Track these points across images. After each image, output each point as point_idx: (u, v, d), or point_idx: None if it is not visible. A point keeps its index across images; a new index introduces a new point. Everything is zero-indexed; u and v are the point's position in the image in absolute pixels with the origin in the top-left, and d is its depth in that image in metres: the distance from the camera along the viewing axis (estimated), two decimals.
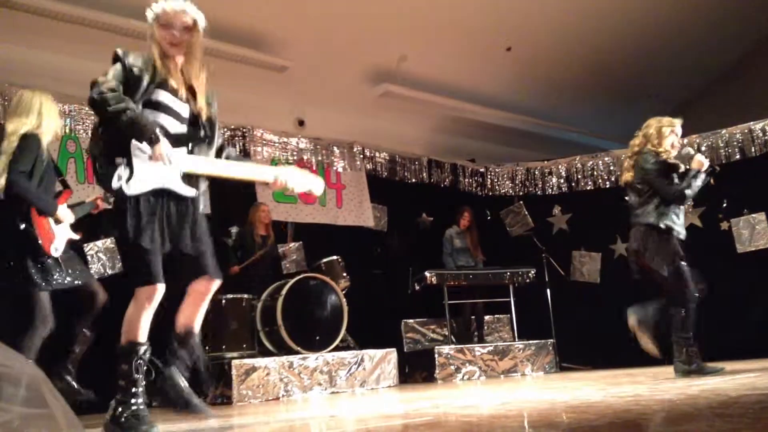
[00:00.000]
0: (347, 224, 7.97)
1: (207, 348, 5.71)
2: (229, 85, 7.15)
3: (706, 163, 4.55)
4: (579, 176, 8.71)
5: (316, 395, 5.57)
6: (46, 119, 4.01)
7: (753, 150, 7.55)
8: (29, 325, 3.89)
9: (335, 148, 8.09)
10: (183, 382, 2.90)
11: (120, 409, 2.69)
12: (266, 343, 5.97)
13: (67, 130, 6.11)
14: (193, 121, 2.98)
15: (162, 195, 2.82)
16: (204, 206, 3.01)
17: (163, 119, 2.87)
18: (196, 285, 2.94)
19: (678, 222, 4.56)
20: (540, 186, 8.95)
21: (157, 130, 2.75)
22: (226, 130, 7.09)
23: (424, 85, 8.07)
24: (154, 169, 2.76)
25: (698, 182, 4.49)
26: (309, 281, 6.06)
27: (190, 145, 2.94)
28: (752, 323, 6.93)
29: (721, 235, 7.49)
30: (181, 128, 2.93)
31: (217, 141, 3.07)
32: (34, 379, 1.09)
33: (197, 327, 3.00)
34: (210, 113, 3.02)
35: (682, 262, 4.48)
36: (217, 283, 2.98)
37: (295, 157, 7.72)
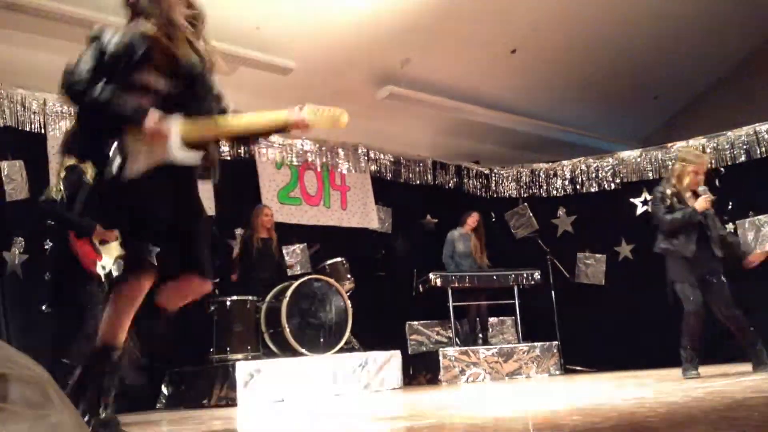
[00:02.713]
0: (352, 226, 7.97)
1: (211, 350, 5.73)
2: (232, 86, 7.17)
3: (707, 206, 4.77)
4: (583, 178, 8.70)
5: (320, 397, 5.56)
6: None
7: (758, 151, 7.53)
8: (78, 337, 3.98)
9: (340, 150, 8.09)
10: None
11: (86, 417, 2.44)
12: (271, 345, 5.98)
13: None
14: (189, 80, 2.64)
15: (162, 172, 2.51)
16: (215, 179, 2.75)
17: (153, 79, 2.56)
18: (184, 279, 2.68)
19: (681, 243, 4.76)
20: (544, 188, 8.94)
21: (141, 109, 2.46)
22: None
23: (428, 87, 8.07)
24: (153, 146, 2.48)
25: (689, 218, 4.72)
26: (313, 283, 6.06)
27: (185, 110, 2.58)
28: (759, 326, 6.90)
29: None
30: (173, 87, 2.60)
31: (222, 105, 2.76)
32: (41, 380, 1.09)
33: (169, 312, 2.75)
34: (208, 70, 2.71)
35: (680, 284, 4.75)
36: (209, 287, 2.75)
37: (300, 159, 7.73)
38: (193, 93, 2.65)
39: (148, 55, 2.53)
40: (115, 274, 4.48)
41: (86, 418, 2.42)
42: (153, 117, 2.45)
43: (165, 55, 2.58)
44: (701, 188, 4.84)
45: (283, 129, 2.75)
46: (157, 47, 2.56)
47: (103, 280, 4.13)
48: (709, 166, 7.72)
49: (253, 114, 2.71)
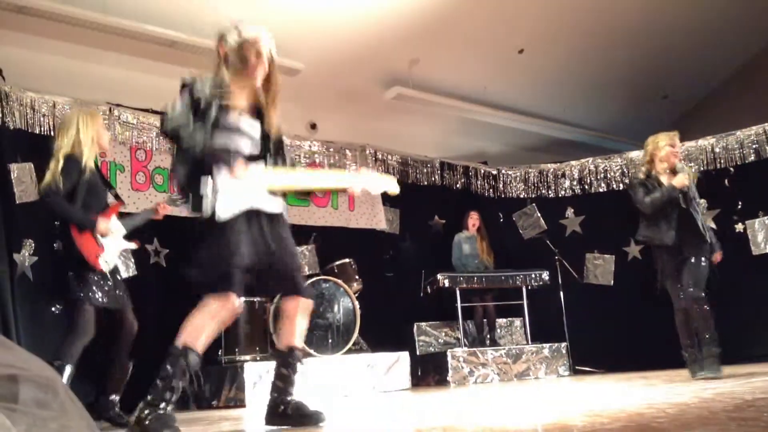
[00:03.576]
0: (360, 227, 7.97)
1: (220, 351, 5.74)
2: None
3: (685, 183, 4.61)
4: (592, 178, 8.67)
5: (328, 399, 5.57)
6: (83, 135, 4.07)
7: None
8: (70, 333, 3.96)
9: (347, 152, 8.09)
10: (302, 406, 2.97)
11: (146, 411, 2.57)
12: None
13: None
14: (266, 141, 2.99)
15: (252, 215, 2.80)
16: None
17: (236, 140, 2.85)
18: (288, 304, 2.99)
19: (663, 231, 4.63)
20: (553, 188, 8.92)
21: (231, 153, 2.75)
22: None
23: (435, 87, 8.08)
24: (241, 189, 2.74)
25: (668, 195, 4.59)
26: (321, 284, 6.07)
27: (264, 163, 2.93)
28: None
29: (736, 237, 7.43)
30: (253, 148, 2.92)
31: (288, 160, 3.10)
32: (51, 382, 1.10)
33: (299, 343, 3.03)
34: (279, 133, 3.06)
35: (664, 277, 4.66)
36: (309, 303, 3.03)
37: (308, 161, 7.74)
38: (266, 149, 2.97)
39: (227, 106, 2.82)
40: (122, 269, 4.49)
41: (146, 412, 2.55)
42: (242, 162, 2.73)
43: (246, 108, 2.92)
44: (679, 165, 4.72)
45: (343, 190, 3.05)
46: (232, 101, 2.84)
47: (108, 275, 4.11)
48: (719, 165, 7.75)
49: (321, 174, 3.33)
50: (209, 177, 2.70)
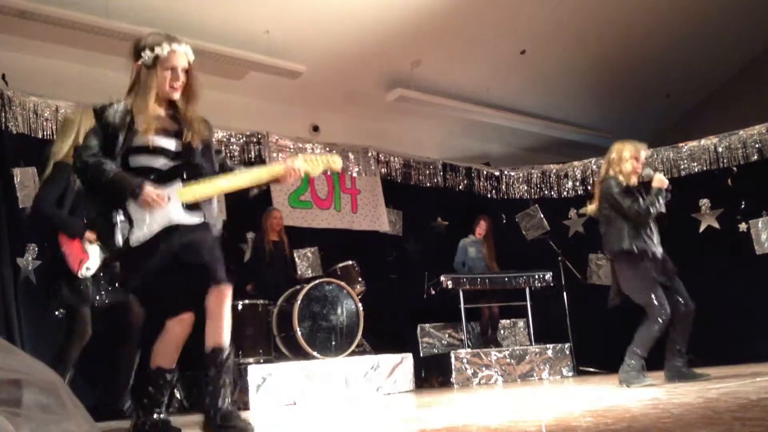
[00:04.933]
0: (362, 229, 7.97)
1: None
2: (243, 91, 7.23)
3: (666, 181, 4.55)
4: (594, 179, 8.65)
5: (332, 400, 5.57)
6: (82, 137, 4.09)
7: None
8: (66, 338, 3.98)
9: (350, 154, 8.10)
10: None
11: (143, 419, 2.78)
12: (282, 349, 5.99)
13: None
14: (186, 152, 2.91)
15: (170, 232, 2.79)
16: (217, 229, 2.97)
17: (151, 160, 2.85)
18: (210, 297, 2.80)
19: (650, 242, 4.52)
20: (556, 189, 8.91)
21: (138, 180, 2.74)
22: (241, 136, 7.13)
23: (438, 89, 8.08)
24: (154, 213, 2.76)
25: (661, 200, 4.49)
26: (325, 286, 6.07)
27: (184, 175, 2.87)
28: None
29: (740, 237, 7.42)
30: (171, 163, 2.88)
31: (216, 165, 3.02)
32: (54, 385, 1.10)
33: (226, 341, 2.82)
34: (206, 140, 2.98)
35: (654, 291, 4.42)
36: (228, 288, 2.84)
37: None
38: (188, 160, 2.91)
39: (139, 130, 2.82)
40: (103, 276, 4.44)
41: (143, 420, 2.77)
42: (149, 190, 2.72)
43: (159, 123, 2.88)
44: (645, 172, 4.60)
45: (277, 180, 3.07)
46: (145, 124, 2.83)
47: (88, 282, 4.11)
48: (721, 165, 7.73)
49: (250, 171, 3.03)
50: (123, 202, 2.76)
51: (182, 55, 2.88)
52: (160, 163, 2.86)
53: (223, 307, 2.81)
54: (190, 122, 2.93)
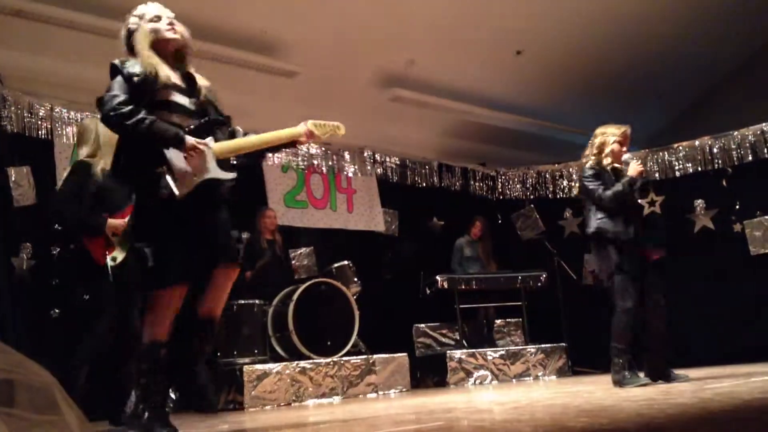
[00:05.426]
0: (358, 229, 7.98)
1: (218, 354, 5.72)
2: (239, 90, 7.20)
3: (640, 169, 4.46)
4: None
5: (327, 400, 5.57)
6: (105, 146, 4.10)
7: (765, 151, 7.49)
8: (88, 338, 3.97)
9: (345, 153, 8.10)
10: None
11: (141, 408, 2.73)
12: (278, 349, 5.98)
13: None
14: (201, 111, 2.98)
15: (205, 187, 2.81)
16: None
17: (175, 118, 2.85)
18: (219, 272, 2.90)
19: (619, 227, 4.37)
20: (551, 189, 8.93)
21: (178, 129, 2.76)
22: None
23: (434, 89, 8.08)
24: (194, 164, 2.76)
25: (630, 187, 4.38)
26: (320, 286, 6.07)
27: (208, 133, 2.93)
28: (766, 325, 6.87)
29: (734, 237, 7.44)
30: (193, 121, 2.91)
31: (228, 124, 3.11)
32: (47, 385, 1.10)
33: (218, 316, 2.97)
34: (212, 98, 3.06)
35: (622, 275, 4.33)
36: (238, 270, 2.97)
37: (306, 162, 7.74)
38: (207, 117, 2.97)
39: (160, 84, 2.83)
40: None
41: (140, 408, 2.72)
42: (191, 139, 2.77)
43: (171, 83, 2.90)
44: (626, 156, 4.56)
45: (293, 143, 3.20)
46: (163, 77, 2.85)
47: (110, 272, 4.12)
48: (716, 165, 7.75)
49: (269, 134, 3.12)
50: (161, 157, 2.71)
51: (161, 7, 2.99)
52: (182, 120, 2.87)
53: (228, 285, 2.94)
54: (193, 78, 3.00)
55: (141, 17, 2.93)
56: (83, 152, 4.11)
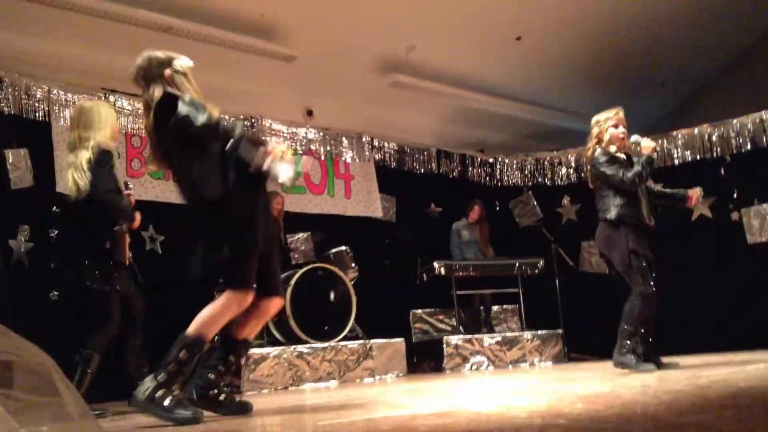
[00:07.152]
0: (356, 215, 7.97)
1: (215, 338, 5.72)
2: (237, 75, 7.18)
3: (653, 144, 4.48)
4: (588, 166, 8.66)
5: (324, 385, 5.59)
6: (110, 128, 4.06)
7: (764, 140, 7.47)
8: (101, 324, 3.96)
9: (344, 139, 8.08)
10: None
11: (161, 392, 2.73)
12: (275, 333, 6.00)
13: None
14: None
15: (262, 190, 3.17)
16: None
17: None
18: (269, 303, 3.10)
19: (639, 212, 4.37)
20: (549, 176, 8.92)
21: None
22: (234, 120, 7.10)
23: (433, 74, 8.04)
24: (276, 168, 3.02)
25: (649, 166, 4.39)
26: (318, 272, 6.07)
27: None
28: (763, 314, 6.89)
29: (732, 226, 7.44)
30: None
31: None
32: (45, 367, 1.10)
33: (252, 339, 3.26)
34: None
35: (637, 257, 4.28)
36: (281, 304, 3.23)
37: (304, 147, 7.72)
38: None
39: None
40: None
41: (160, 393, 2.73)
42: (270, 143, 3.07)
43: None
44: (635, 137, 4.54)
45: None
46: None
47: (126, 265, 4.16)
48: (715, 154, 7.74)
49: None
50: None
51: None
52: None
53: (270, 317, 3.26)
54: None
55: (185, 71, 3.12)
56: (100, 134, 3.98)
